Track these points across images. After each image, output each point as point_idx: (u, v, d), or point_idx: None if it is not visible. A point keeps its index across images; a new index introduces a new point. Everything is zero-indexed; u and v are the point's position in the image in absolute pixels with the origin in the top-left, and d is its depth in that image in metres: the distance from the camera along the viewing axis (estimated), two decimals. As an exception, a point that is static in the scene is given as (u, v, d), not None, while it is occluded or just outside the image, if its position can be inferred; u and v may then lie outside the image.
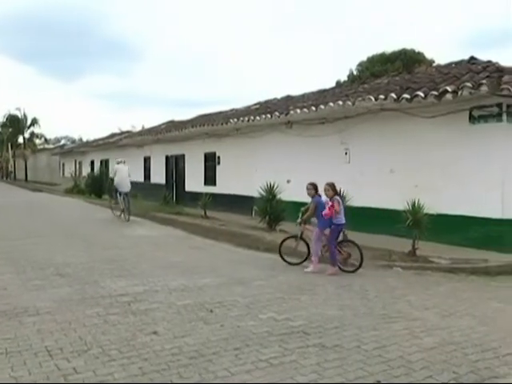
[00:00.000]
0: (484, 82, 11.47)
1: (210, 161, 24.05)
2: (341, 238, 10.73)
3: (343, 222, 10.42)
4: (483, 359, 5.44)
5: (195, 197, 21.59)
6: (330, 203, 10.22)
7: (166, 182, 28.83)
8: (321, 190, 10.65)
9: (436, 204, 11.92)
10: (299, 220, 11.12)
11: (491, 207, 11.96)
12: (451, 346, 5.82)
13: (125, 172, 20.37)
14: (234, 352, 5.56)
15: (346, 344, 5.83)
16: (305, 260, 10.97)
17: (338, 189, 10.67)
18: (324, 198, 10.53)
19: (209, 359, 5.35)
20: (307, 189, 10.81)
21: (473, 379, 4.94)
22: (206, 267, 10.61)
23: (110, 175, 27.17)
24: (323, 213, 10.25)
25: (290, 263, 11.03)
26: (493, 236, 11.82)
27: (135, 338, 5.99)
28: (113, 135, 45.58)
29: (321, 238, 10.59)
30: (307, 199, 10.54)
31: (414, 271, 10.24)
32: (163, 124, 35.26)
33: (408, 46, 30.62)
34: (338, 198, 10.41)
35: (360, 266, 10.16)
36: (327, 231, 10.49)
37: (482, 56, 15.14)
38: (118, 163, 21.00)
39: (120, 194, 19.93)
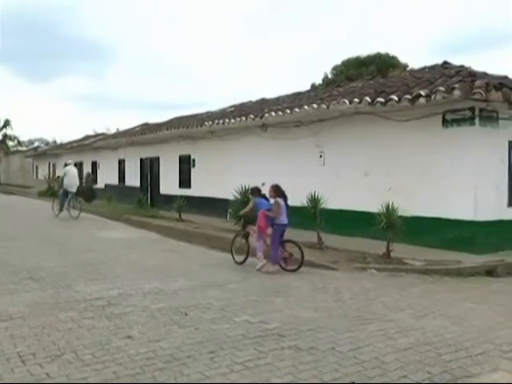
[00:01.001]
0: (457, 86, 11.60)
1: (185, 163, 23.95)
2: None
3: (285, 222, 10.85)
4: (456, 359, 5.49)
5: (170, 199, 21.52)
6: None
7: (141, 184, 28.65)
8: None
9: (410, 206, 12.03)
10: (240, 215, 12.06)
11: (464, 209, 12.10)
12: (425, 346, 5.87)
13: (73, 173, 22.30)
14: (208, 355, 5.53)
15: (320, 346, 5.84)
16: (246, 258, 11.43)
17: (282, 190, 11.03)
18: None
19: (183, 363, 5.31)
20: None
21: (446, 379, 4.98)
22: (180, 270, 10.58)
23: (60, 175, 27.84)
24: (267, 213, 10.86)
25: (236, 262, 11.53)
26: (466, 238, 11.96)
27: (109, 343, 5.92)
28: (87, 137, 45.16)
29: (262, 237, 11.00)
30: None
31: (389, 273, 10.30)
32: (138, 126, 35.08)
33: (382, 51, 30.86)
34: (279, 199, 10.85)
35: (301, 265, 10.52)
36: (269, 231, 10.95)
37: (455, 61, 15.29)
38: (67, 165, 22.84)
39: (67, 194, 21.62)
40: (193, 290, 8.67)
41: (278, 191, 10.99)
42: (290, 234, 14.03)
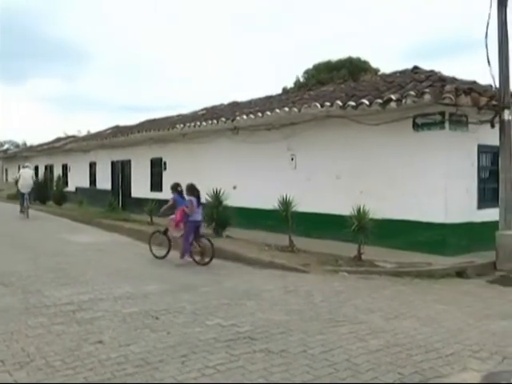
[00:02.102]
0: (427, 90, 11.73)
1: (157, 166, 23.81)
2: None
3: (197, 219, 12.07)
4: (427, 359, 5.54)
5: (141, 203, 21.33)
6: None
7: (112, 187, 28.41)
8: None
9: (381, 209, 12.10)
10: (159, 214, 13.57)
11: (435, 212, 12.22)
12: (396, 347, 5.91)
13: (28, 175, 23.86)
14: (180, 359, 5.49)
15: (292, 349, 5.84)
16: (168, 253, 12.41)
17: (196, 190, 12.28)
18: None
19: (155, 367, 5.27)
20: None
21: (417, 379, 5.02)
22: (151, 274, 10.53)
23: (15, 177, 28.91)
24: (180, 209, 12.12)
25: (157, 257, 12.48)
26: (436, 240, 12.08)
27: (80, 348, 5.85)
28: (58, 140, 44.68)
29: (177, 230, 12.27)
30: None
31: (360, 275, 10.33)
32: (109, 129, 34.76)
33: (354, 55, 31.08)
34: (192, 198, 11.98)
35: (211, 259, 11.66)
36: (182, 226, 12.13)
37: (425, 66, 15.44)
38: (24, 167, 24.83)
39: (23, 195, 23.16)
40: (164, 294, 8.62)
41: (191, 190, 12.18)
42: (261, 236, 14.14)
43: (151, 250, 12.75)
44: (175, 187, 12.87)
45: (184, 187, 12.39)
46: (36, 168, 42.30)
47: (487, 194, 13.23)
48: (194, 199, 11.96)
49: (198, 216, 12.11)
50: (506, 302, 8.69)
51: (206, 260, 11.72)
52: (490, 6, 11.71)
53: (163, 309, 7.62)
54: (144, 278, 10.00)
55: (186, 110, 27.76)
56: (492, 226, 11.98)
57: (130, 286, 9.25)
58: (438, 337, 6.37)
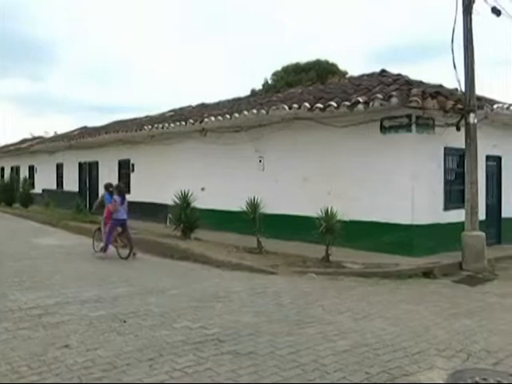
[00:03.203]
0: (394, 94, 11.83)
1: (124, 168, 23.64)
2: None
3: (122, 217, 13.20)
4: (394, 359, 5.59)
5: (109, 205, 21.14)
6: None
7: (80, 189, 28.11)
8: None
9: (349, 211, 12.18)
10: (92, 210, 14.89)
11: (402, 213, 12.33)
12: (364, 347, 5.94)
13: None
14: (148, 362, 5.44)
15: (260, 350, 5.83)
16: (104, 248, 13.24)
17: (123, 190, 13.73)
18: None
19: (122, 370, 5.21)
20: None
21: (384, 378, 5.06)
22: (119, 277, 10.43)
23: None
24: (110, 207, 13.25)
25: (96, 251, 13.47)
26: (403, 241, 12.21)
27: (46, 353, 5.74)
28: (24, 141, 43.92)
29: (105, 226, 13.32)
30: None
31: (328, 276, 10.38)
32: (76, 130, 34.35)
33: (322, 57, 31.27)
34: (116, 197, 13.20)
35: (129, 254, 12.82)
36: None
37: (393, 69, 15.58)
38: None
39: None
40: (132, 297, 8.54)
41: (117, 190, 13.51)
42: (229, 238, 14.14)
43: (93, 246, 13.82)
44: (106, 187, 14.21)
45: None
46: (2, 169, 41.75)
47: (453, 196, 13.39)
48: (118, 198, 13.16)
49: (122, 214, 13.23)
50: (471, 301, 8.82)
51: (125, 255, 12.86)
52: (456, 13, 11.93)
53: (131, 312, 7.55)
54: (112, 281, 9.91)
55: (154, 112, 27.60)
56: (458, 226, 12.15)
57: (98, 288, 9.15)
58: (405, 336, 6.43)
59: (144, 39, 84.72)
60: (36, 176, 34.95)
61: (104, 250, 13.07)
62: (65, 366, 5.33)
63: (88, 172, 27.45)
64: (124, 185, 14.36)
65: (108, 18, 79.70)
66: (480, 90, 12.73)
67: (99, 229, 13.84)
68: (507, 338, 6.53)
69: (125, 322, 7.04)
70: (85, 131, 30.56)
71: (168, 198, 16.48)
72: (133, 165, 22.99)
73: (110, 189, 13.87)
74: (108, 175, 24.78)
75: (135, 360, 5.52)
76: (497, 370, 5.41)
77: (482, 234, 12.06)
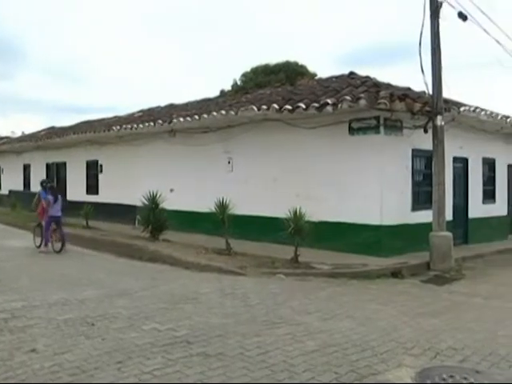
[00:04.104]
0: (362, 96, 11.92)
1: (93, 169, 23.41)
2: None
3: (56, 215, 14.34)
4: (363, 358, 5.61)
5: (77, 206, 20.82)
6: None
7: (47, 190, 27.69)
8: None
9: (318, 212, 12.23)
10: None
11: (370, 214, 12.42)
12: (332, 347, 5.95)
13: None
14: (116, 366, 5.36)
15: (229, 351, 5.80)
16: (42, 243, 14.34)
17: (54, 190, 14.87)
18: None
19: (90, 374, 5.13)
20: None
21: (353, 378, 5.07)
22: (87, 279, 10.28)
23: None
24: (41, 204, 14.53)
25: (37, 247, 14.51)
26: (372, 241, 12.30)
27: (12, 358, 5.61)
28: (-10, 141, 43.27)
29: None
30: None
31: (297, 277, 10.40)
32: (44, 130, 33.84)
33: (292, 59, 31.36)
34: (49, 196, 14.33)
35: (61, 249, 13.91)
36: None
37: (361, 72, 15.67)
38: None
39: None
40: (100, 300, 8.42)
41: (51, 189, 14.69)
42: (198, 239, 14.10)
43: (34, 242, 14.89)
44: (41, 183, 15.77)
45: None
46: None
47: (421, 197, 13.54)
48: (50, 197, 14.27)
49: (56, 212, 14.39)
50: (438, 300, 8.97)
51: (58, 249, 13.92)
52: (424, 17, 12.08)
53: (99, 315, 7.44)
54: (80, 283, 9.77)
55: (122, 112, 27.37)
56: (426, 227, 12.29)
57: (66, 291, 9.00)
58: (374, 335, 6.46)
59: (113, 39, 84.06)
60: (2, 177, 34.41)
61: (44, 244, 14.24)
62: (31, 371, 5.23)
63: (56, 173, 27.09)
64: (54, 185, 16.32)
65: (76, 17, 78.83)
66: (447, 93, 12.91)
67: (39, 225, 14.95)
68: (473, 336, 6.63)
69: (93, 324, 6.94)
70: (52, 131, 30.15)
71: (137, 199, 16.38)
72: (101, 166, 22.78)
73: (44, 185, 15.41)
74: (76, 176, 24.57)
75: (103, 363, 5.43)
76: (463, 366, 5.48)
77: (449, 234, 12.22)
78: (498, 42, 13.68)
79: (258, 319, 7.23)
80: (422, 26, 12.05)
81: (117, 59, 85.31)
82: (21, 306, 8.00)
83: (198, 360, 5.53)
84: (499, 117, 15.64)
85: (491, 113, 15.16)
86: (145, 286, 9.56)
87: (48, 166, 27.92)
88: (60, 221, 14.53)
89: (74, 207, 21.83)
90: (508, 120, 16.11)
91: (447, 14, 12.27)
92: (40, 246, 14.44)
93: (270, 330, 6.70)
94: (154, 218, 14.98)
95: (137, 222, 17.55)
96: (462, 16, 12.32)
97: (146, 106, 26.00)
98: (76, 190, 24.48)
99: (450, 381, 5.06)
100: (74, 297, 8.59)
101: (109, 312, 7.61)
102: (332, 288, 9.54)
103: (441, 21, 12.26)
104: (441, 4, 12.15)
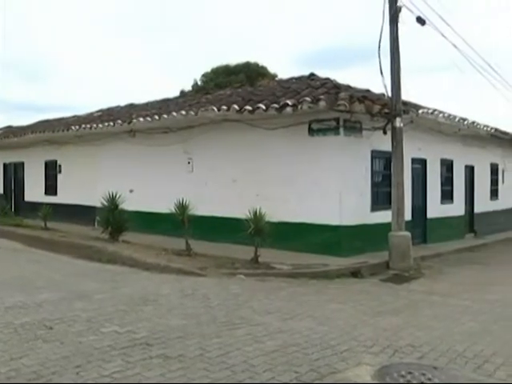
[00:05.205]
0: (322, 97, 12.01)
1: (51, 169, 23.02)
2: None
3: None
4: (323, 357, 5.64)
5: (35, 207, 20.49)
6: None
7: (4, 191, 27.18)
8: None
9: (278, 212, 12.27)
10: None
11: (330, 214, 12.52)
12: (293, 347, 5.96)
13: None
14: (75, 370, 5.25)
15: (189, 353, 5.76)
16: None
17: None
18: None
19: (48, 379, 5.01)
20: None
21: (313, 377, 5.09)
22: (45, 282, 10.07)
23: None
24: None
25: None
26: (332, 241, 12.40)
27: (-33, 364, 5.47)
28: None
29: None
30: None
31: (257, 278, 10.41)
32: (0, 129, 33.19)
33: (252, 60, 31.43)
34: None
35: None
36: None
37: (321, 73, 15.76)
38: None
39: None
40: (59, 303, 8.25)
41: None
42: (158, 241, 14.04)
43: None
44: None
45: None
46: None
47: (380, 197, 13.70)
48: None
49: None
50: (397, 298, 9.10)
51: None
52: (383, 21, 12.26)
53: (57, 318, 7.29)
54: (38, 286, 9.56)
55: (82, 111, 26.98)
56: (385, 227, 12.46)
57: (23, 294, 8.79)
58: (333, 335, 6.50)
59: (72, 37, 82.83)
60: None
61: None
62: (-14, 377, 5.10)
63: (13, 173, 26.62)
64: None
65: (34, 12, 77.54)
66: (406, 95, 13.11)
67: None
68: (431, 333, 6.75)
69: (51, 328, 6.80)
70: (9, 131, 29.49)
71: (96, 200, 16.19)
72: (60, 166, 22.44)
73: None
74: (34, 176, 24.18)
75: (61, 368, 5.32)
76: (421, 363, 5.58)
77: (408, 233, 12.39)
78: (454, 46, 14.02)
79: (218, 320, 7.21)
80: (382, 29, 12.22)
81: (76, 58, 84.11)
82: (-24, 310, 7.82)
83: (158, 362, 5.48)
84: (456, 119, 15.97)
85: (449, 115, 15.46)
86: (104, 288, 9.43)
87: (5, 166, 27.40)
88: None
89: (32, 208, 21.59)
90: (465, 122, 16.48)
91: (406, 19, 12.49)
92: None
93: (230, 330, 6.69)
94: (114, 219, 14.81)
95: (96, 223, 17.36)
96: (421, 21, 12.53)
97: (105, 105, 25.69)
98: (34, 191, 24.10)
99: (408, 377, 5.14)
100: (31, 300, 8.40)
101: (67, 315, 7.46)
102: (292, 288, 9.58)
103: (400, 25, 12.47)
104: (400, 8, 12.33)
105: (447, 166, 17.96)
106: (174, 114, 15.21)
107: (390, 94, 12.49)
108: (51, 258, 13.39)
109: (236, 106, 13.48)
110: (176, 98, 21.71)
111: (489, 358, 5.80)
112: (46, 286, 9.57)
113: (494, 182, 22.24)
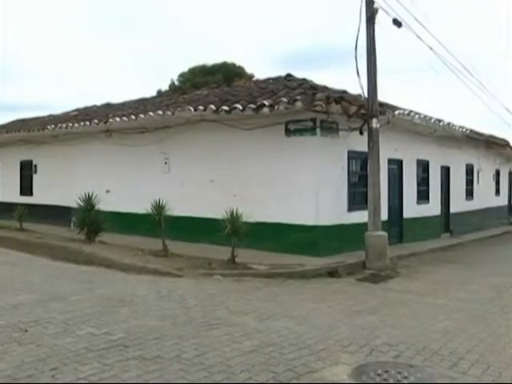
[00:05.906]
0: (299, 98, 12.04)
1: (27, 169, 22.75)
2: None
3: None
4: (300, 357, 5.66)
5: (10, 208, 20.22)
6: None
7: (-22, 192, 26.86)
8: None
9: (255, 212, 12.26)
10: None
11: (307, 215, 12.56)
12: (269, 347, 5.98)
13: None
14: (50, 372, 5.19)
15: (166, 354, 5.74)
16: None
17: None
18: None
19: (23, 383, 4.96)
20: None
21: (290, 376, 5.10)
22: (20, 283, 9.94)
23: None
24: None
25: None
26: (309, 241, 12.44)
27: None
28: None
29: None
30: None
31: (234, 278, 10.41)
32: (-26, 129, 32.78)
33: (229, 60, 31.42)
34: None
35: None
36: None
37: (298, 74, 15.82)
38: None
39: None
40: (34, 305, 8.14)
41: None
42: (135, 241, 13.95)
43: None
44: None
45: None
46: None
47: (357, 198, 13.78)
48: None
49: None
50: (374, 298, 9.16)
51: None
52: (360, 22, 12.33)
53: (32, 320, 7.20)
54: (12, 288, 9.43)
55: (58, 111, 26.73)
56: (361, 227, 12.54)
57: (-5, 296, 8.73)
58: (310, 334, 6.53)
59: (49, 35, 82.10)
60: None
61: None
62: (-41, 381, 5.02)
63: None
64: None
65: (9, 9, 76.68)
66: (383, 96, 13.22)
67: None
68: (407, 332, 6.82)
69: (26, 331, 6.71)
70: (-17, 130, 29.23)
71: (72, 200, 16.01)
72: (35, 166, 22.20)
73: None
74: (9, 177, 23.89)
75: (37, 371, 5.25)
76: (398, 362, 5.63)
77: (385, 233, 12.49)
78: (430, 48, 14.19)
79: (195, 321, 7.19)
80: (358, 30, 12.30)
81: (53, 57, 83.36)
82: None
83: (135, 363, 5.45)
84: (432, 120, 16.16)
85: (425, 116, 15.63)
86: (80, 290, 9.34)
87: (-21, 167, 27.04)
88: None
89: (7, 209, 21.29)
90: (441, 123, 16.69)
91: (383, 20, 12.61)
92: None
93: (207, 331, 6.68)
94: (90, 220, 14.70)
95: (72, 224, 17.20)
96: (397, 23, 12.64)
97: (82, 105, 25.48)
98: (9, 191, 23.75)
99: (384, 376, 5.18)
100: (5, 302, 8.28)
101: (43, 317, 7.38)
102: (269, 288, 9.59)
103: (376, 26, 12.56)
104: (376, 10, 12.43)
105: (423, 167, 18.15)
106: (151, 113, 15.15)
107: (366, 95, 12.58)
108: (27, 259, 13.23)
109: (213, 106, 13.46)
110: (153, 98, 21.65)
111: (464, 356, 5.88)
112: (21, 288, 9.45)
113: (470, 183, 22.55)
